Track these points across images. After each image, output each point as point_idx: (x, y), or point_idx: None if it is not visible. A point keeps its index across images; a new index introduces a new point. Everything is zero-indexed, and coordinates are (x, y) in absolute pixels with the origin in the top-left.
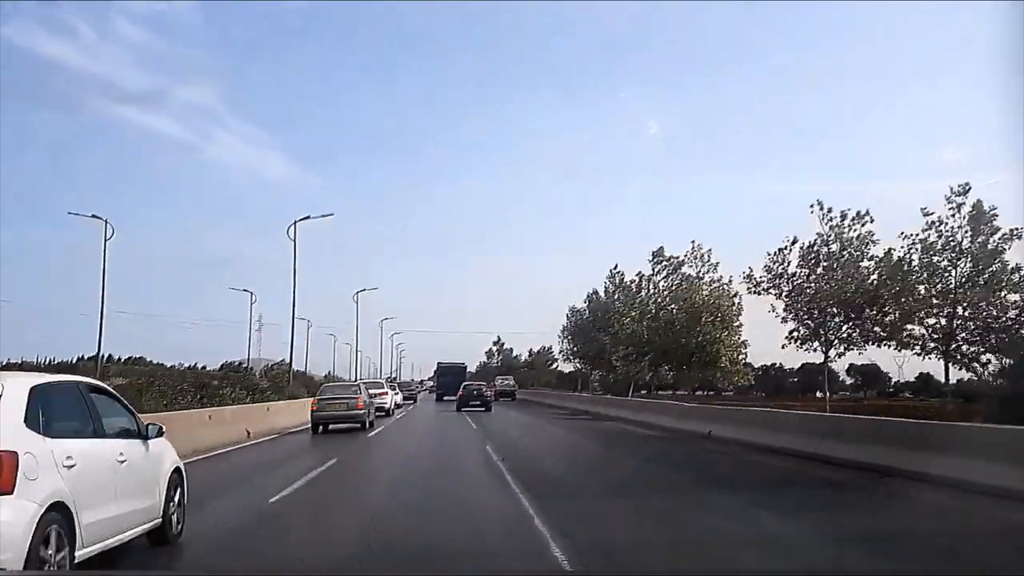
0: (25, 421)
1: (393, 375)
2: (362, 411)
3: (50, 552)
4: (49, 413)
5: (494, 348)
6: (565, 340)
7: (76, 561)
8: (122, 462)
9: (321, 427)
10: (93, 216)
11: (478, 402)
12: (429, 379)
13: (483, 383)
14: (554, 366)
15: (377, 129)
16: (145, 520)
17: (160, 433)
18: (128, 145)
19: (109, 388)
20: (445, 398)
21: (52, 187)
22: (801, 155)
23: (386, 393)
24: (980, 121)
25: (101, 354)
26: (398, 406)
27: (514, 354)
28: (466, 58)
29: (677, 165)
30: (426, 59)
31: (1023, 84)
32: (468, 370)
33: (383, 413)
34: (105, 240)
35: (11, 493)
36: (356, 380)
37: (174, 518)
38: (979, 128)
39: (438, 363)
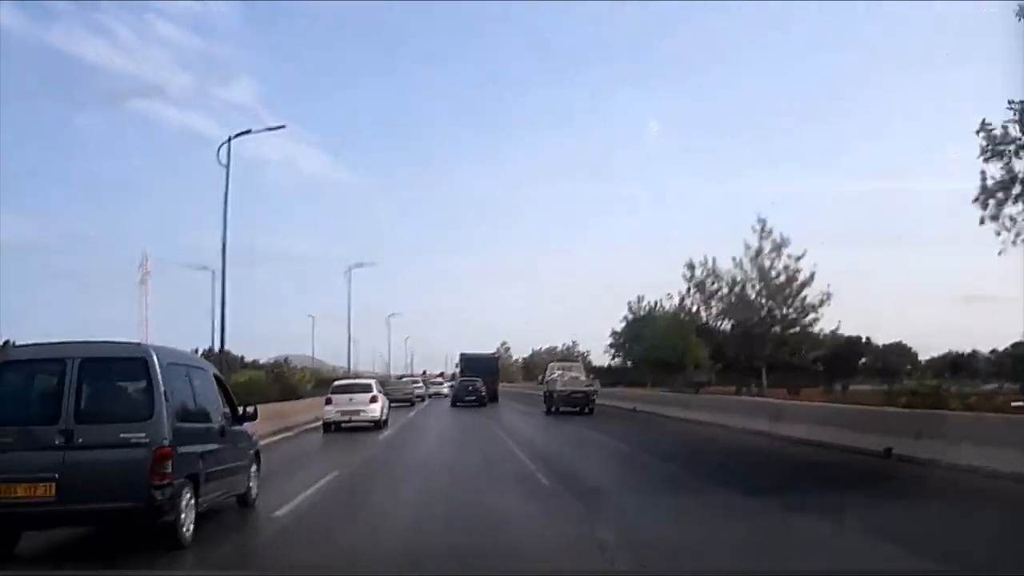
0: (374, 387)
1: (424, 371)
2: (409, 396)
3: (384, 414)
4: (378, 386)
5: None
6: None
7: (380, 418)
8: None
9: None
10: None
11: (472, 397)
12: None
13: (478, 378)
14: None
15: (393, 122)
16: (384, 416)
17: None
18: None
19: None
20: (467, 398)
21: None
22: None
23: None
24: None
25: None
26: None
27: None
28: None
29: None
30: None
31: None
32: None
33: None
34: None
35: (378, 402)
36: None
37: (389, 419)
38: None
39: (461, 354)
